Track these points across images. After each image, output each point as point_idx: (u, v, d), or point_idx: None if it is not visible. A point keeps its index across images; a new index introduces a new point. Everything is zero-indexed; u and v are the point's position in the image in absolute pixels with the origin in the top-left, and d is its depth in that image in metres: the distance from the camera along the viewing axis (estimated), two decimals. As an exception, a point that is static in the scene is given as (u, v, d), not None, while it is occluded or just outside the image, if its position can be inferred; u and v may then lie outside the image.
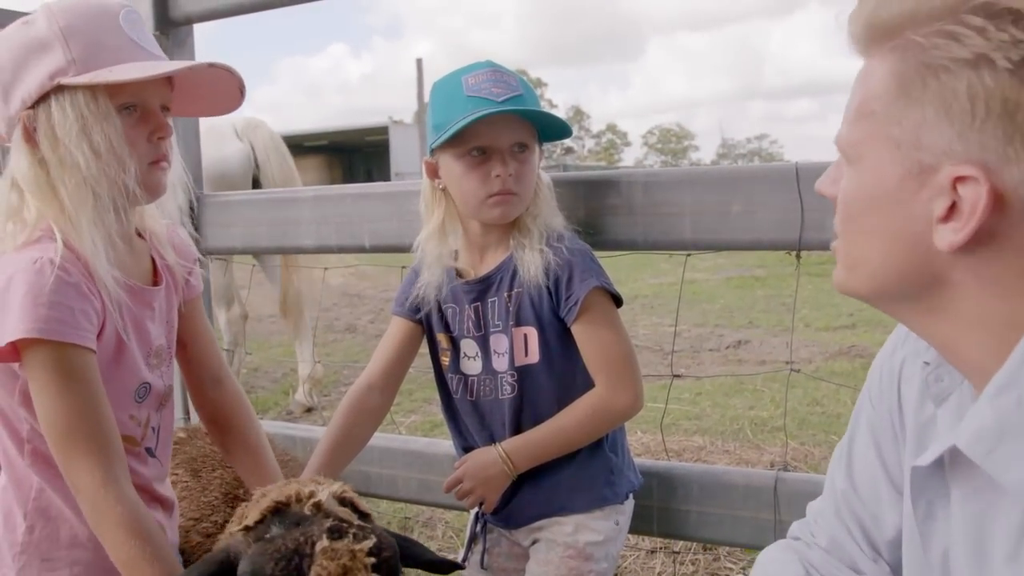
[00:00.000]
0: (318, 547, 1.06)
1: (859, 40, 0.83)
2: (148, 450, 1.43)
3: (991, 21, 0.72)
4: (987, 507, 0.82)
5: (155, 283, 1.44)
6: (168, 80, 1.33)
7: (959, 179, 0.75)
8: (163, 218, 1.49)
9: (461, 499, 1.70)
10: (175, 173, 1.40)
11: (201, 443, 1.75)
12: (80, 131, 1.23)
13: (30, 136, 1.26)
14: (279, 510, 1.14)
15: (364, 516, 1.18)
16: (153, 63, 1.29)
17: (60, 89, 1.24)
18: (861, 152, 0.84)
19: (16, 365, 1.25)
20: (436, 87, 1.65)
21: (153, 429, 1.44)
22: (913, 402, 0.99)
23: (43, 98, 1.25)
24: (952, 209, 0.77)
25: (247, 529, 1.14)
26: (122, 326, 1.32)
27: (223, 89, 1.40)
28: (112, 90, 1.25)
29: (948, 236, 0.77)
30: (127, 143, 1.26)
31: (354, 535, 1.09)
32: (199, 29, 2.45)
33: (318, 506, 1.12)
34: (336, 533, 1.08)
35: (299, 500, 1.14)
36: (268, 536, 1.11)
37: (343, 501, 1.17)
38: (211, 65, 1.32)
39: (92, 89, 1.23)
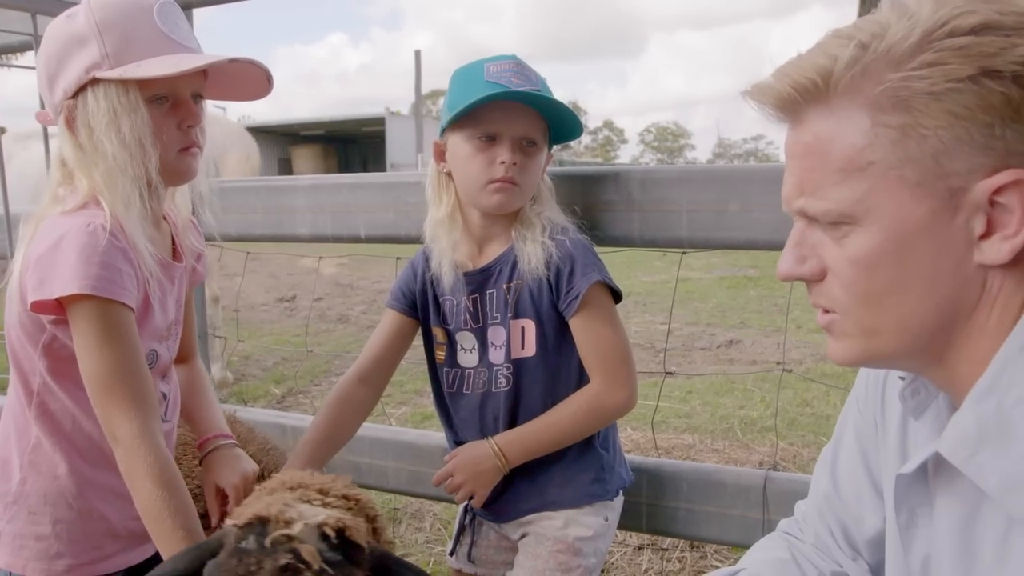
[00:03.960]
0: None
1: (813, 100, 0.81)
2: None
3: (972, 36, 0.73)
4: (973, 512, 0.83)
5: (175, 261, 1.53)
6: (202, 70, 1.39)
7: (998, 190, 0.75)
8: (196, 198, 1.59)
9: (451, 493, 1.70)
10: (208, 157, 1.49)
11: (182, 431, 1.75)
12: (109, 122, 1.32)
13: (70, 123, 1.36)
14: (264, 521, 1.09)
15: (353, 548, 1.09)
16: (180, 57, 1.35)
17: (95, 82, 1.32)
18: (870, 205, 0.80)
19: (47, 320, 1.33)
20: (457, 72, 1.65)
21: (164, 395, 1.51)
22: (896, 411, 1.00)
23: (81, 89, 1.34)
24: (990, 223, 0.76)
25: (239, 527, 1.11)
26: (155, 295, 1.42)
27: (253, 77, 1.47)
28: (143, 83, 1.33)
29: (998, 246, 0.77)
30: (154, 133, 1.34)
31: None
32: (198, 14, 2.44)
33: (288, 537, 1.06)
34: (287, 572, 1.03)
35: (277, 523, 1.08)
36: (240, 547, 1.08)
37: (338, 531, 1.09)
38: (232, 60, 1.38)
39: (124, 82, 1.32)
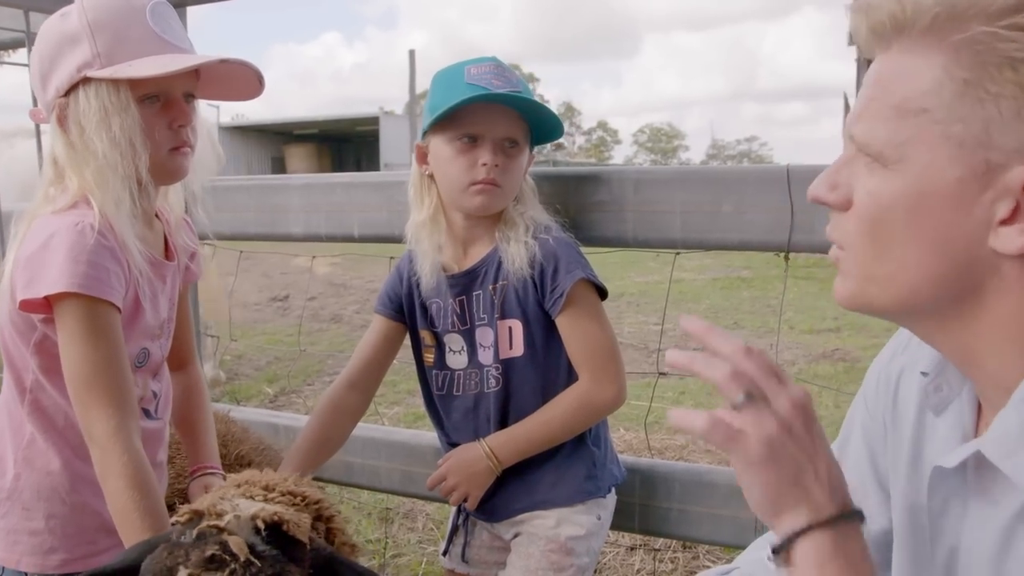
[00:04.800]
0: (179, 574, 1.02)
1: (900, 31, 0.79)
2: (145, 411, 1.50)
3: None
4: (1015, 513, 0.81)
5: (167, 259, 1.53)
6: (194, 69, 1.39)
7: None
8: (188, 197, 1.60)
9: (446, 495, 1.70)
10: (202, 154, 1.49)
11: (175, 431, 1.74)
12: (100, 121, 1.32)
13: (62, 121, 1.36)
14: (201, 515, 1.09)
15: (292, 544, 1.07)
16: (171, 57, 1.35)
17: (87, 81, 1.33)
18: (906, 153, 0.78)
19: (37, 318, 1.33)
20: (438, 74, 1.65)
21: (154, 394, 1.52)
22: (911, 409, 0.99)
23: (73, 88, 1.34)
24: (1016, 211, 0.74)
25: (180, 523, 1.10)
26: (145, 294, 1.42)
27: (245, 78, 1.47)
28: (134, 82, 1.33)
29: (1013, 237, 0.74)
30: (145, 132, 1.35)
31: (230, 571, 1.01)
32: (192, 12, 2.43)
33: (218, 528, 1.05)
34: (214, 563, 1.02)
35: (209, 515, 1.08)
36: (176, 540, 1.07)
37: (270, 524, 1.07)
38: (223, 60, 1.39)
39: (115, 82, 1.32)
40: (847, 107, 16.42)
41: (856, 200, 0.83)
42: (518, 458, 1.66)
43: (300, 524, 1.09)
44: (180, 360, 1.69)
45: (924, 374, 0.95)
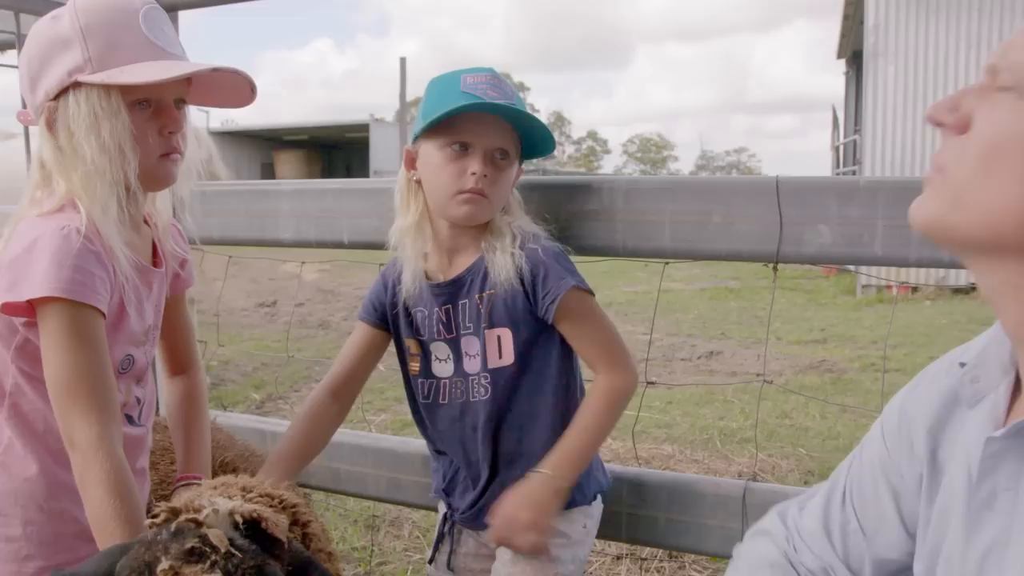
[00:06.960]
0: (158, 568, 1.00)
1: None
2: (128, 417, 1.49)
3: None
4: None
5: (155, 266, 1.52)
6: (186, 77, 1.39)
7: None
8: (176, 204, 1.58)
9: (522, 542, 1.57)
10: (190, 162, 1.48)
11: (160, 437, 1.73)
12: (90, 126, 1.31)
13: (51, 125, 1.35)
14: (177, 513, 1.08)
15: (272, 541, 1.07)
16: (164, 64, 1.34)
17: (77, 85, 1.33)
18: None
19: (19, 321, 1.32)
20: (433, 80, 1.65)
21: (138, 400, 1.51)
22: (941, 418, 0.97)
23: (63, 92, 1.33)
24: None
25: (155, 524, 1.09)
26: (131, 300, 1.41)
27: (237, 85, 1.46)
28: (125, 88, 1.32)
29: None
30: (135, 138, 1.34)
31: (211, 563, 1.00)
32: (184, 16, 2.43)
33: (196, 522, 1.04)
34: (194, 555, 1.01)
35: (187, 511, 1.07)
36: (149, 539, 1.05)
37: (249, 521, 1.07)
38: (215, 70, 1.38)
39: (106, 87, 1.31)
40: (835, 120, 16.52)
41: (977, 126, 0.79)
42: (579, 471, 1.62)
43: (279, 523, 1.09)
44: (181, 364, 1.68)
45: (962, 364, 0.93)
